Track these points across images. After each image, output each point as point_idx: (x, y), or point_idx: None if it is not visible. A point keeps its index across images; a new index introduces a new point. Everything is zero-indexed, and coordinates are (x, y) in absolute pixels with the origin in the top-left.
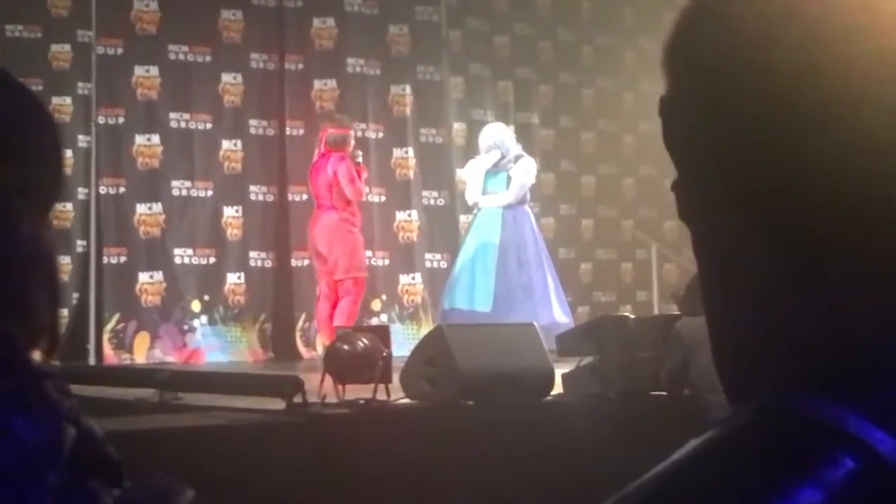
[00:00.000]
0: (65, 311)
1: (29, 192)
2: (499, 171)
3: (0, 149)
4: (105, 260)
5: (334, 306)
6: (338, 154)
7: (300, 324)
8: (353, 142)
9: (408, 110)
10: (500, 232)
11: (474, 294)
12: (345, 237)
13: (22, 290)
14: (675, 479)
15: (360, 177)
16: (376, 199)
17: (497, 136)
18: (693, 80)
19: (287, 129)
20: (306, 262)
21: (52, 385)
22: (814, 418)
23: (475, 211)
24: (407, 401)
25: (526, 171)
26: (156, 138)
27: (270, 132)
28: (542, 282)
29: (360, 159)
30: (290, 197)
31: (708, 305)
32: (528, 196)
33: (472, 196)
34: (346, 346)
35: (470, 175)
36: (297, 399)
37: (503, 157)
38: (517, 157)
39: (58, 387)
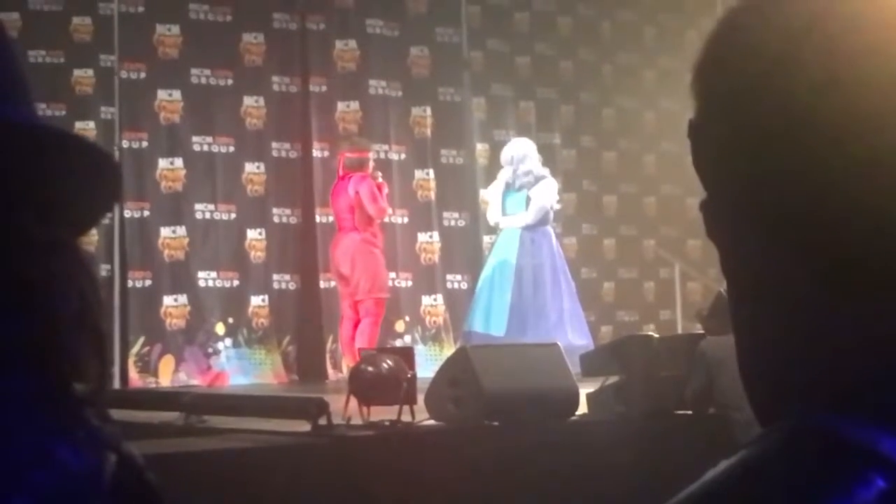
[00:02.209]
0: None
1: (77, 231)
2: (519, 191)
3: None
4: (130, 283)
5: (356, 327)
6: (359, 174)
7: (328, 345)
8: (371, 164)
9: (428, 132)
10: (518, 253)
11: (490, 317)
12: (367, 258)
13: (68, 348)
14: (709, 498)
15: (381, 193)
16: (399, 220)
17: (515, 152)
18: (719, 101)
19: (314, 151)
20: (333, 283)
21: (94, 412)
22: (846, 439)
23: (498, 231)
24: (432, 422)
25: (545, 193)
26: (179, 162)
27: (293, 154)
28: (558, 305)
29: (379, 178)
30: (317, 219)
31: (737, 325)
32: (551, 217)
33: (492, 216)
34: (370, 368)
35: (490, 195)
36: (322, 421)
37: (515, 173)
38: (538, 178)
39: (99, 413)
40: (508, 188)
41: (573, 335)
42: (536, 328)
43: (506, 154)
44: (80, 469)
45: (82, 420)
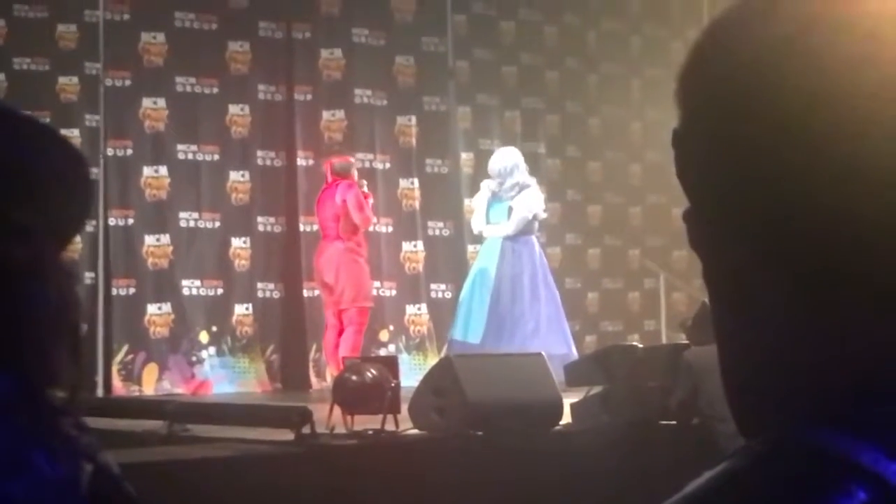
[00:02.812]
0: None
1: (56, 229)
2: (502, 201)
3: (23, 188)
4: (114, 291)
5: (340, 336)
6: (346, 182)
7: (311, 354)
8: (355, 171)
9: (413, 141)
10: (498, 263)
11: (469, 326)
12: (351, 267)
13: (45, 346)
14: None
15: (366, 203)
16: (384, 229)
17: (502, 162)
18: (703, 111)
19: (298, 159)
20: (317, 292)
21: (71, 422)
22: (827, 451)
23: (482, 240)
24: (415, 431)
25: (528, 202)
26: (163, 170)
27: (278, 163)
28: (536, 313)
29: (364, 187)
30: (301, 227)
31: (719, 336)
32: (536, 226)
33: (476, 225)
34: (354, 377)
35: (475, 203)
36: (306, 430)
37: (502, 184)
38: (523, 187)
39: (76, 423)
40: (494, 197)
41: (552, 344)
42: (512, 337)
43: (494, 165)
44: (56, 478)
45: (59, 429)
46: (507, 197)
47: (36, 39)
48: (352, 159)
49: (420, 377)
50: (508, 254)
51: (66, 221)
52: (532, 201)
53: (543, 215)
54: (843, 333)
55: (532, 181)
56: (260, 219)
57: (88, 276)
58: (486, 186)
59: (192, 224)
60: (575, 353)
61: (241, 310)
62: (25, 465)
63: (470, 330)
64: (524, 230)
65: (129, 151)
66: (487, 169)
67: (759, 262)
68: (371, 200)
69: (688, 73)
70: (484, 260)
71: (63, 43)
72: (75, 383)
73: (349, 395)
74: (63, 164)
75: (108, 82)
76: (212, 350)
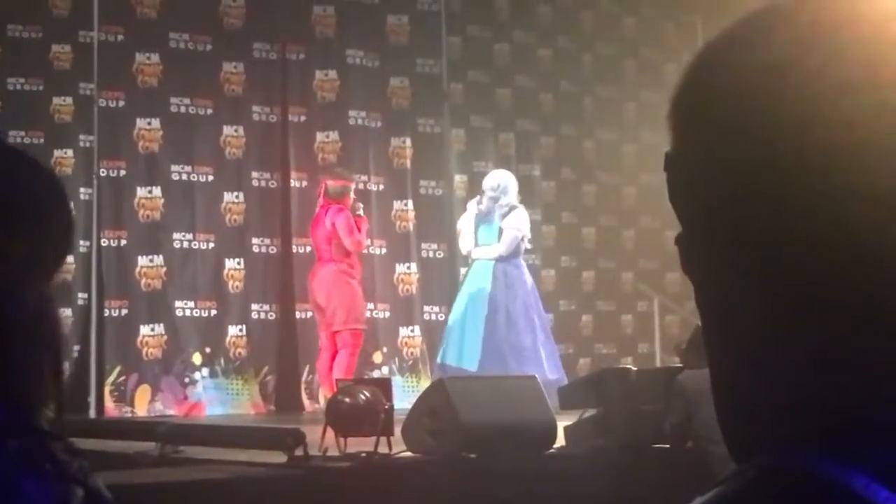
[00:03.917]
0: (66, 364)
1: (37, 262)
2: (491, 223)
3: (10, 224)
4: (106, 312)
5: (333, 358)
6: (337, 206)
7: (304, 376)
8: (352, 194)
9: (408, 162)
10: (491, 286)
11: (463, 350)
12: (343, 288)
13: (25, 358)
14: None
15: (359, 229)
16: (377, 251)
17: (498, 179)
18: (695, 134)
19: (291, 181)
20: (310, 314)
21: (62, 446)
22: (818, 475)
23: (470, 262)
24: (409, 454)
25: (516, 223)
26: (157, 190)
27: (272, 184)
28: (532, 341)
29: (360, 211)
30: (294, 249)
31: (711, 360)
32: (522, 249)
33: (465, 246)
34: (347, 399)
35: (462, 224)
36: (299, 452)
37: (497, 202)
38: (511, 209)
39: (67, 448)
40: (480, 218)
41: (548, 369)
42: (509, 363)
43: (491, 181)
44: (46, 503)
45: (49, 453)
46: (497, 217)
47: (30, 60)
48: (351, 184)
49: (413, 399)
50: (501, 277)
51: (44, 247)
52: (522, 222)
53: (528, 237)
54: (834, 358)
55: (517, 202)
56: (254, 240)
57: (81, 297)
58: (473, 207)
59: (185, 245)
60: (566, 379)
61: (234, 331)
62: (14, 491)
63: (465, 355)
64: (514, 252)
65: (123, 172)
66: (482, 186)
67: (751, 287)
68: (366, 226)
69: (681, 97)
70: (475, 283)
71: (57, 63)
72: (60, 403)
73: (342, 418)
74: (39, 191)
75: (102, 103)
76: (205, 371)
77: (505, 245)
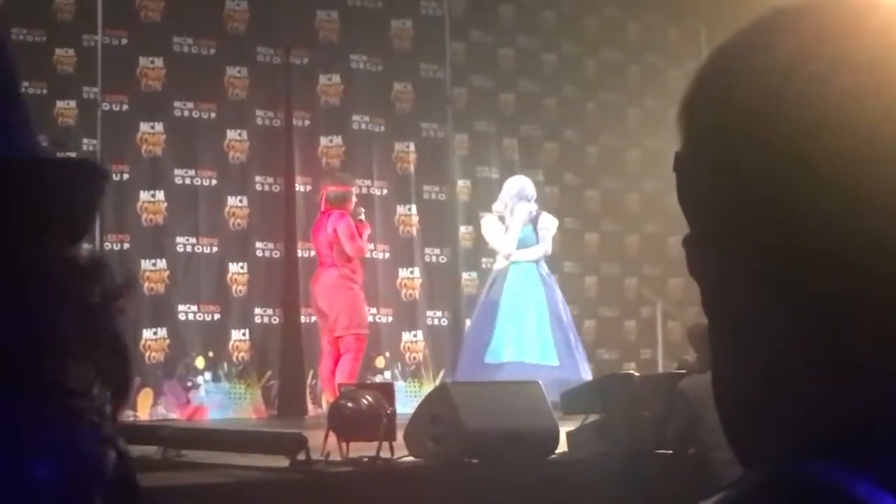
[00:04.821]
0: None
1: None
2: (520, 226)
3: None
4: None
5: (336, 363)
6: (338, 212)
7: (308, 380)
8: (354, 199)
9: (411, 167)
10: (543, 287)
11: (534, 348)
12: (345, 293)
13: (46, 317)
14: None
15: (361, 234)
16: (380, 255)
17: (516, 188)
18: (705, 137)
19: (296, 185)
20: (314, 318)
21: (91, 407)
22: (823, 482)
23: (505, 264)
24: (411, 459)
25: (549, 225)
26: (160, 194)
27: (276, 188)
28: (576, 340)
29: (362, 217)
30: (299, 253)
31: (716, 363)
32: None
33: (505, 248)
34: (350, 404)
35: (491, 227)
36: (301, 456)
37: (530, 214)
38: (539, 213)
39: (97, 410)
40: (506, 223)
41: (582, 370)
42: (568, 361)
43: (528, 189)
44: (83, 462)
45: (83, 415)
46: (525, 220)
47: (34, 63)
48: (352, 189)
49: (416, 404)
50: (546, 278)
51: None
52: (553, 224)
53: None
54: (842, 364)
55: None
56: (258, 244)
57: None
58: (520, 213)
59: (189, 249)
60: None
61: (237, 335)
62: (54, 448)
63: (541, 352)
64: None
65: (126, 176)
66: (505, 193)
67: (759, 290)
68: (368, 231)
69: (691, 99)
70: (521, 284)
71: (61, 67)
72: (124, 383)
73: (345, 422)
74: (82, 189)
75: (106, 106)
76: (207, 376)
77: (547, 246)
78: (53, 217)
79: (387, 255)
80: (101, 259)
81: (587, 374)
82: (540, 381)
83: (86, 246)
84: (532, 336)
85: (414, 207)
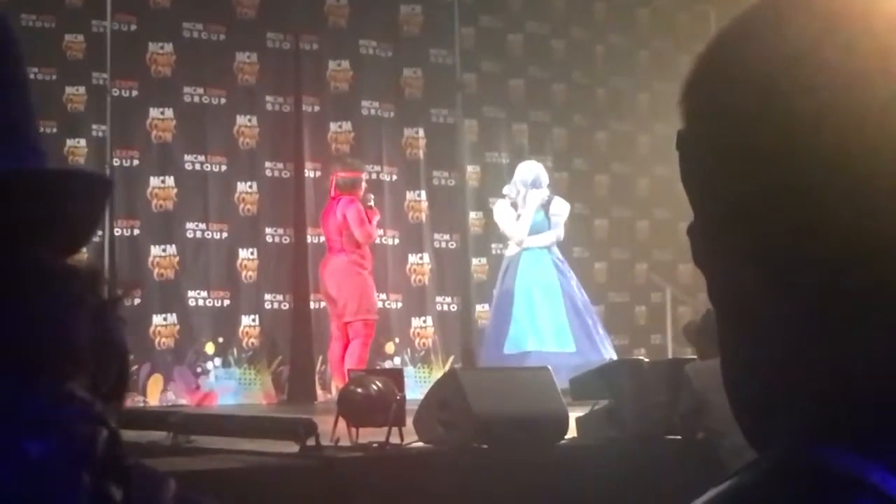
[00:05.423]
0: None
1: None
2: (532, 212)
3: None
4: None
5: (345, 348)
6: (347, 197)
7: (318, 366)
8: (364, 185)
9: (421, 153)
10: (557, 274)
11: (550, 335)
12: (354, 279)
13: (47, 314)
14: None
15: (370, 220)
16: (390, 241)
17: (528, 173)
18: (708, 119)
19: (306, 171)
20: (324, 304)
21: (80, 386)
22: (833, 468)
23: (516, 251)
24: (420, 444)
25: (561, 210)
26: (170, 180)
27: (286, 174)
28: (595, 322)
29: (371, 203)
30: (309, 239)
31: (724, 351)
32: None
33: (518, 234)
34: (359, 390)
35: (504, 213)
36: (311, 442)
37: (542, 198)
38: (551, 198)
39: (88, 387)
40: (518, 209)
41: (604, 350)
42: (584, 345)
43: (525, 174)
44: (75, 440)
45: (75, 394)
46: (537, 206)
47: (43, 49)
48: (361, 175)
49: (425, 390)
50: (559, 265)
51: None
52: (566, 209)
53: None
54: (849, 350)
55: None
56: (268, 230)
57: None
58: (535, 198)
59: (198, 235)
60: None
61: (247, 321)
62: (46, 425)
63: (557, 339)
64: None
65: (136, 161)
66: (518, 179)
67: (765, 277)
68: (377, 217)
69: (695, 81)
70: (533, 269)
71: (70, 53)
72: (122, 377)
73: (354, 408)
74: (86, 199)
75: (116, 92)
76: (217, 361)
77: (556, 232)
78: (51, 227)
79: (396, 240)
80: (99, 269)
81: (611, 354)
82: (550, 367)
83: (85, 255)
84: (546, 323)
85: (423, 193)
